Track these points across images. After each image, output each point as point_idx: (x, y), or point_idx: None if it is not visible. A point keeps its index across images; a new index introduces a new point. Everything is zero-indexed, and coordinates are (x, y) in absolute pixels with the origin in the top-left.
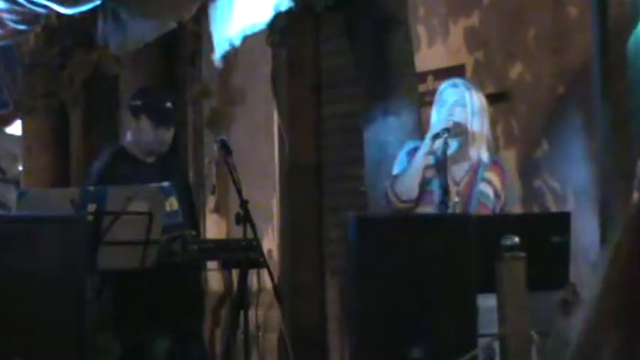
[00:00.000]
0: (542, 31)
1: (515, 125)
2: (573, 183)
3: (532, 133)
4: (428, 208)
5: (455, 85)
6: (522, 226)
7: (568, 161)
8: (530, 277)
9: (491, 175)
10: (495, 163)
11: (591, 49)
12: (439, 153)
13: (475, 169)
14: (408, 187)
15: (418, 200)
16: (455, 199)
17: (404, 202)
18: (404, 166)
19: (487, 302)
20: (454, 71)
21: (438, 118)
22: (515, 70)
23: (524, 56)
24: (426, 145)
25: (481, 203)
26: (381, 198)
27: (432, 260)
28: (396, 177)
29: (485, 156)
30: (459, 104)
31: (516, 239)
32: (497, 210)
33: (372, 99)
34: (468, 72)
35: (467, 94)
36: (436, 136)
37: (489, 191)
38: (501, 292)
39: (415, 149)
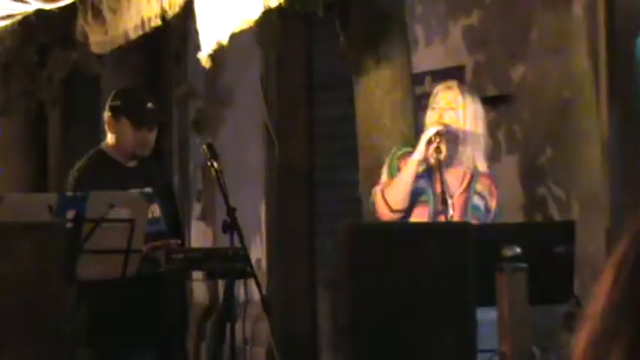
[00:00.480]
0: (546, 30)
1: (517, 130)
2: (578, 190)
3: (535, 138)
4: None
5: (448, 88)
6: (524, 236)
7: (573, 168)
8: (532, 289)
9: (482, 189)
10: (487, 175)
11: (598, 50)
12: (431, 160)
13: (468, 180)
14: (400, 195)
15: (409, 211)
16: (450, 211)
17: (394, 211)
18: (394, 172)
19: (487, 316)
20: (453, 72)
21: (427, 122)
22: (518, 72)
23: (527, 57)
24: (419, 151)
25: (474, 218)
26: (369, 205)
27: (429, 271)
28: (386, 183)
29: (481, 165)
30: (451, 107)
31: (518, 249)
32: None
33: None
34: (468, 73)
35: (459, 98)
36: (429, 142)
37: (481, 205)
38: (502, 305)
39: (407, 154)
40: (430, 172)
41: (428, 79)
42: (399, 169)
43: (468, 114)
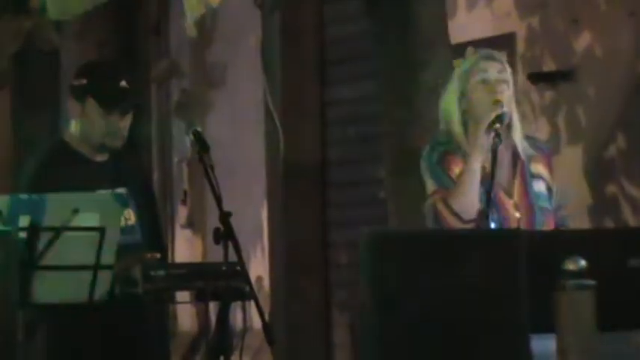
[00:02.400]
0: None
1: (582, 114)
2: None
3: (604, 124)
4: None
5: (491, 57)
6: (590, 246)
7: None
8: (601, 312)
9: (539, 167)
10: (538, 149)
11: None
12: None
13: (522, 168)
14: (468, 202)
15: (477, 220)
16: (516, 214)
17: (467, 222)
18: (443, 178)
19: (543, 345)
20: (501, 42)
21: (477, 98)
22: (582, 42)
23: (593, 22)
24: (480, 143)
25: (544, 212)
26: (431, 221)
27: (471, 290)
28: (448, 192)
29: (525, 143)
30: (503, 79)
31: (582, 262)
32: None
33: (392, 78)
34: (520, 43)
35: (506, 66)
36: (487, 128)
37: (543, 188)
38: (562, 332)
39: (447, 153)
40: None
41: (470, 50)
42: (448, 174)
43: (512, 89)
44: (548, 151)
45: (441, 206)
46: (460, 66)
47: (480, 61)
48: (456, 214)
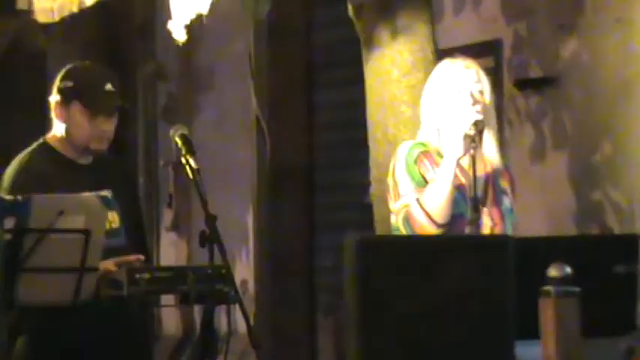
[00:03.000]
0: None
1: (567, 120)
2: None
3: (590, 130)
4: None
5: (467, 66)
6: (576, 252)
7: (636, 167)
8: (585, 319)
9: (506, 185)
10: (507, 170)
11: None
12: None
13: (493, 180)
14: (444, 204)
15: (450, 225)
16: (489, 222)
17: (440, 226)
18: (418, 179)
19: (529, 352)
20: (487, 48)
21: (453, 108)
22: (568, 47)
23: (579, 28)
24: (455, 148)
25: (512, 224)
26: (401, 224)
27: (458, 296)
28: (422, 194)
29: (496, 158)
30: (479, 89)
31: (568, 269)
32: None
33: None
34: (506, 49)
35: (483, 77)
36: (466, 135)
37: (508, 204)
38: (547, 338)
39: (424, 154)
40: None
41: (456, 56)
42: (423, 176)
43: (487, 96)
44: (510, 171)
45: (415, 208)
46: (438, 73)
47: (456, 70)
48: (429, 217)
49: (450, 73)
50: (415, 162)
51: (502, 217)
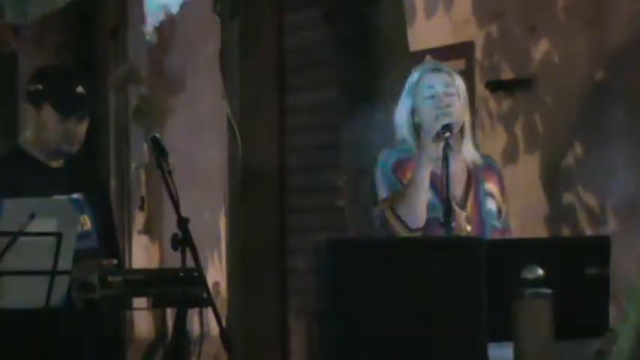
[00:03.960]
0: None
1: (539, 122)
2: (614, 198)
3: (561, 132)
4: None
5: (437, 69)
6: (548, 254)
7: (608, 169)
8: (557, 320)
9: (491, 186)
10: (490, 168)
11: (638, 21)
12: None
13: (475, 181)
14: (416, 211)
15: (424, 229)
16: (467, 227)
17: (413, 231)
18: (395, 185)
19: (501, 353)
20: (459, 50)
21: (426, 113)
22: (540, 49)
23: (550, 31)
24: (430, 152)
25: (493, 229)
26: (378, 230)
27: (430, 298)
28: (395, 200)
29: (477, 156)
30: (451, 92)
31: (540, 271)
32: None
33: (351, 86)
34: (478, 51)
35: (457, 79)
36: (436, 137)
37: (494, 208)
38: (520, 340)
39: (403, 160)
40: (432, 176)
41: (428, 58)
42: (401, 182)
43: (462, 99)
44: (500, 171)
45: (389, 214)
46: (409, 79)
47: (426, 75)
48: (402, 223)
49: (421, 77)
50: (393, 170)
51: (481, 220)
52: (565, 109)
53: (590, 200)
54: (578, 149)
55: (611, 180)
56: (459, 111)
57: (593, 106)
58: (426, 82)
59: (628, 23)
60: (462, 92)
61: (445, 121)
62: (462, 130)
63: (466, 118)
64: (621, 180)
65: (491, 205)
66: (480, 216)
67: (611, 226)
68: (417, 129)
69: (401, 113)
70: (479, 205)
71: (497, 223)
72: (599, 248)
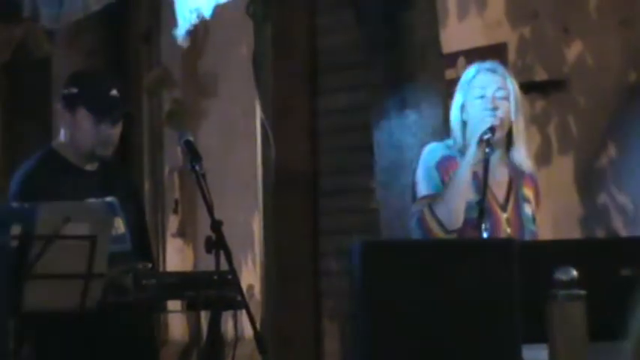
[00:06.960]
0: None
1: (572, 123)
2: None
3: (595, 133)
4: None
5: (492, 70)
6: (582, 256)
7: None
8: (592, 322)
9: (529, 193)
10: (530, 175)
11: None
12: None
13: (515, 186)
14: (454, 212)
15: (463, 231)
16: (507, 229)
17: (450, 232)
18: (436, 183)
19: (535, 355)
20: (492, 52)
21: (473, 112)
22: (573, 50)
23: (584, 31)
24: (472, 153)
25: (531, 234)
26: (414, 228)
27: (464, 301)
28: (434, 199)
29: (526, 165)
30: (502, 95)
31: (574, 273)
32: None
33: (384, 88)
34: (511, 53)
35: (509, 82)
36: (481, 140)
37: (530, 213)
38: (554, 342)
39: (447, 158)
40: (475, 177)
41: (461, 60)
42: (442, 180)
43: (514, 102)
44: (537, 181)
45: (427, 215)
46: (464, 75)
47: (480, 74)
48: (439, 223)
49: (476, 75)
50: (436, 166)
51: (521, 223)
52: (599, 110)
53: (624, 201)
54: (611, 150)
55: None
56: (507, 115)
57: (626, 107)
58: (478, 81)
59: None
60: (514, 97)
61: (490, 122)
62: (510, 133)
63: (520, 124)
64: None
65: (527, 210)
66: (519, 219)
67: None
68: (464, 125)
69: (454, 107)
70: (519, 208)
71: (534, 228)
72: (633, 250)
